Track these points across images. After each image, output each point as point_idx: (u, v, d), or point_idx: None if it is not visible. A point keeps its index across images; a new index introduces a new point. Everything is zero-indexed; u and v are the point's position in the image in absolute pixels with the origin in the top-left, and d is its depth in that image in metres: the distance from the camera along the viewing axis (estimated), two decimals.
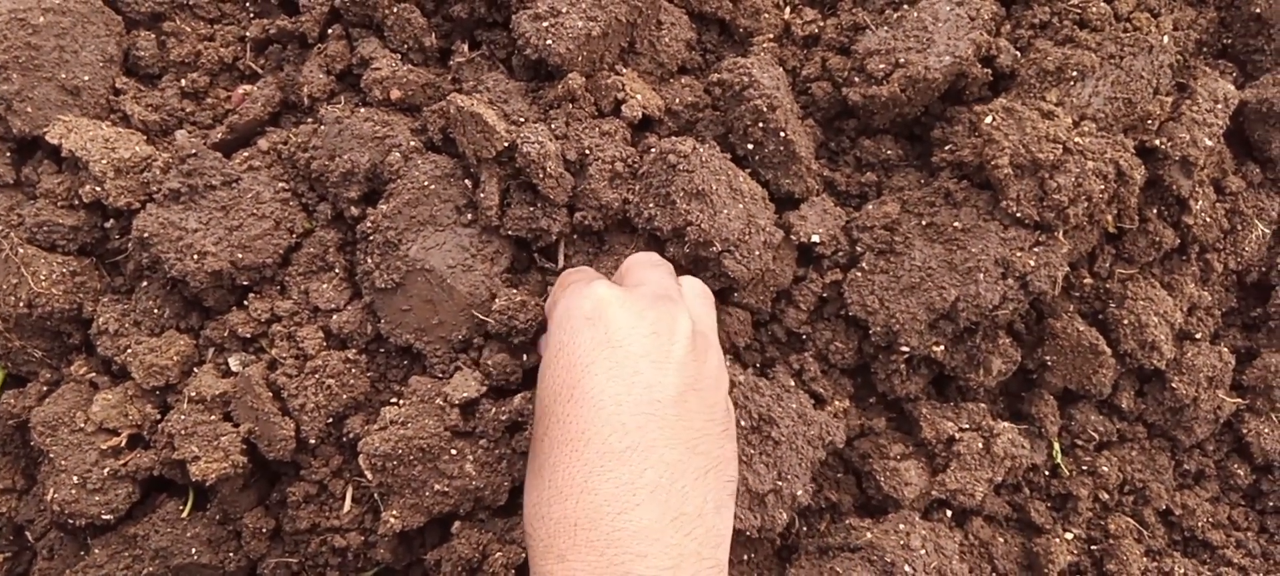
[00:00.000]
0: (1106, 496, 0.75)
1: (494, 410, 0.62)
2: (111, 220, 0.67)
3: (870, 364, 0.70)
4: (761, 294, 0.68)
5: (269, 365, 0.65)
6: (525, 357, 0.64)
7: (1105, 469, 0.74)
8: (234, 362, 0.65)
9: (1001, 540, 0.73)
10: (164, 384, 0.65)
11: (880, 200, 0.69)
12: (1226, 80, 0.71)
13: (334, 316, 0.65)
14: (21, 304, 0.65)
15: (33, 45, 0.66)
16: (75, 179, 0.66)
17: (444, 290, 0.63)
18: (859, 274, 0.68)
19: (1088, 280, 0.72)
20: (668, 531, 0.48)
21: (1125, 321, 0.71)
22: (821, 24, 0.73)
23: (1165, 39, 0.68)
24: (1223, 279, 0.77)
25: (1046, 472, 0.75)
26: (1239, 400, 0.76)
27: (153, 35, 0.71)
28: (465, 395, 0.61)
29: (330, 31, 0.69)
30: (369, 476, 0.61)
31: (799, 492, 0.63)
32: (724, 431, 0.55)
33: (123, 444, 0.65)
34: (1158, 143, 0.68)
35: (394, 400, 0.64)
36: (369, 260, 0.64)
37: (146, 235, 0.63)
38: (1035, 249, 0.65)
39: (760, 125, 0.65)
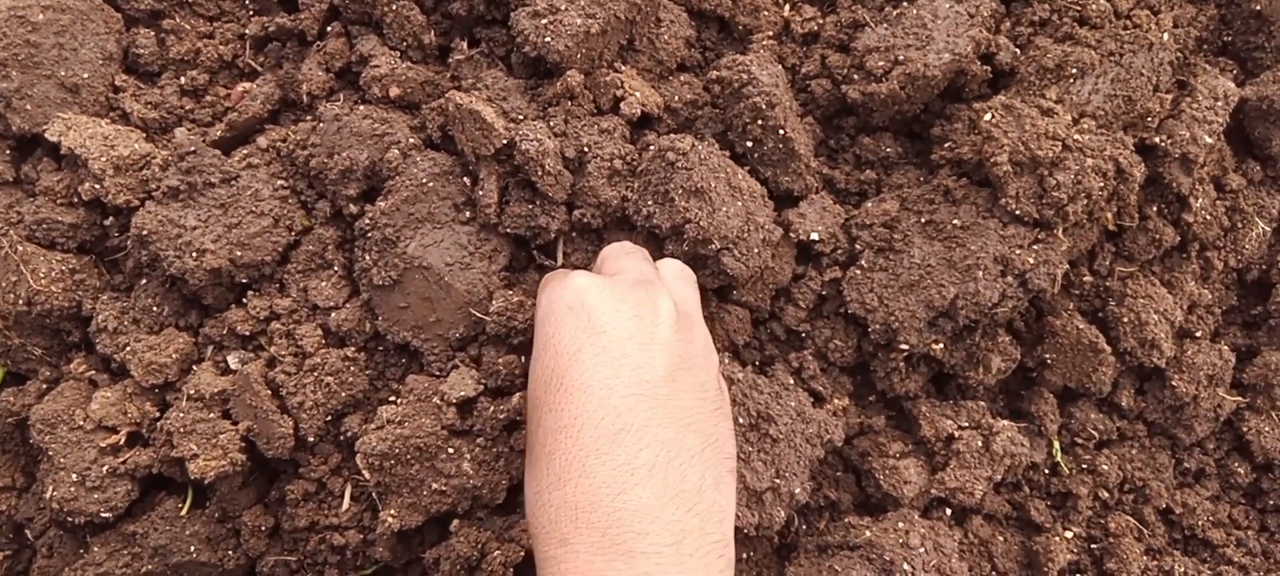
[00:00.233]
0: (1106, 495, 0.75)
1: (491, 409, 0.62)
2: (110, 218, 0.67)
3: (869, 362, 0.70)
4: (760, 292, 0.68)
5: (268, 363, 0.65)
6: (523, 358, 0.64)
7: (1105, 467, 0.74)
8: (233, 360, 0.65)
9: (1001, 538, 0.73)
10: (163, 381, 0.65)
11: (879, 198, 0.69)
12: (1227, 77, 0.71)
13: (333, 314, 0.65)
14: (21, 301, 0.65)
15: (32, 42, 0.66)
16: (74, 176, 0.66)
17: (442, 288, 0.63)
18: (858, 272, 0.68)
19: (1087, 278, 0.72)
20: (668, 508, 0.48)
21: (1125, 319, 0.71)
22: (821, 21, 0.73)
23: (1165, 36, 0.68)
24: (1223, 277, 0.76)
25: (1046, 471, 0.75)
26: (1239, 398, 0.76)
27: (152, 32, 0.71)
28: (462, 394, 0.61)
29: (329, 29, 0.69)
30: (367, 476, 0.61)
31: (798, 490, 0.63)
32: (717, 409, 0.55)
33: (122, 441, 0.65)
34: (1158, 140, 0.68)
35: (391, 399, 0.64)
36: (367, 257, 0.64)
37: (145, 233, 0.63)
38: (1035, 246, 0.65)
39: (759, 123, 0.65)
